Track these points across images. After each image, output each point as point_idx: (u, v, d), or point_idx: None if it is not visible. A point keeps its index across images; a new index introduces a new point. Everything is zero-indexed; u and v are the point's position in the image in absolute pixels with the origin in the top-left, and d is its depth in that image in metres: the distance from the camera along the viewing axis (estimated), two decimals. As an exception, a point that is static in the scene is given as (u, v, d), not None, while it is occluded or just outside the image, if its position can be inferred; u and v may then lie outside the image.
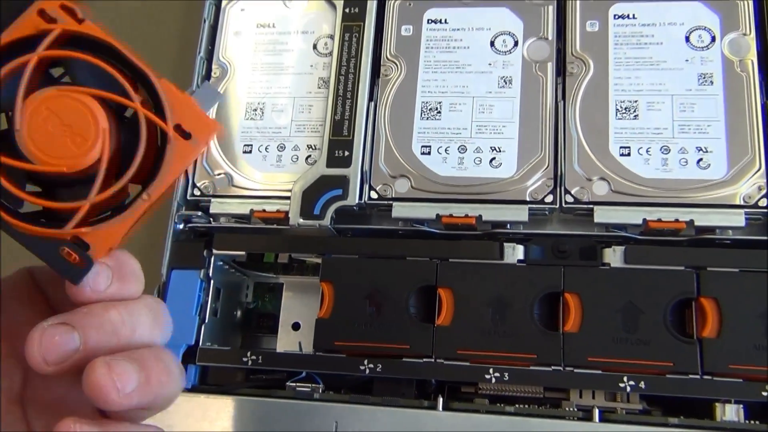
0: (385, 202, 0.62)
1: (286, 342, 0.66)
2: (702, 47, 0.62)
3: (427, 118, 0.64)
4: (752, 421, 0.53)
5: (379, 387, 0.59)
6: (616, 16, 0.64)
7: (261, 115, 0.67)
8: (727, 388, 0.53)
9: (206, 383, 0.63)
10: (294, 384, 0.59)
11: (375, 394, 0.58)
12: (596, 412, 0.54)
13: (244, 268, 0.68)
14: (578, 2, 0.65)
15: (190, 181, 0.66)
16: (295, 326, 0.66)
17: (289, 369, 0.59)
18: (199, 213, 0.65)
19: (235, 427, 0.57)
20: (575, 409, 0.56)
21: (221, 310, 0.65)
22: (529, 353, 0.56)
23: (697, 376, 0.53)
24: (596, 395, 0.57)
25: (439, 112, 0.64)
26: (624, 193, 0.59)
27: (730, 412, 0.53)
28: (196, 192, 0.65)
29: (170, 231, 0.64)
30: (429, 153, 0.63)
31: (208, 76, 0.69)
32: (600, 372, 0.55)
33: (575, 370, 0.55)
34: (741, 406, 0.54)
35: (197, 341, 0.61)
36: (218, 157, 0.66)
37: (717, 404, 0.54)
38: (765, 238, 0.57)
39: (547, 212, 0.61)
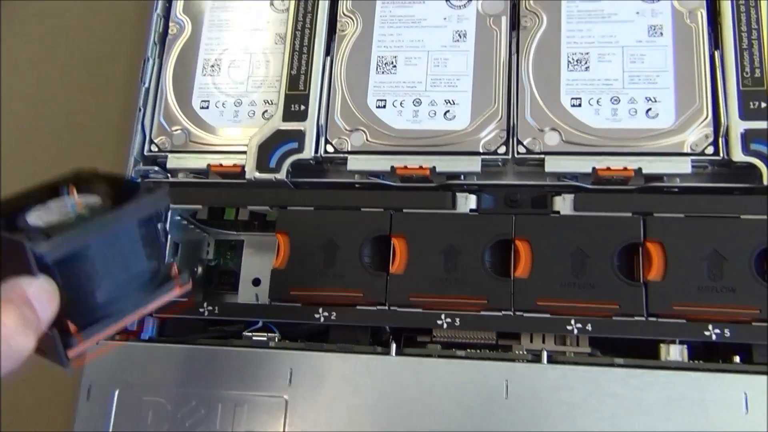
0: (341, 155, 0.63)
1: (246, 298, 0.66)
2: None
3: (383, 73, 0.65)
4: (696, 361, 0.55)
5: (334, 335, 0.60)
6: (569, -30, 0.65)
7: (218, 71, 0.67)
8: (671, 329, 0.54)
9: (164, 335, 0.63)
10: (250, 333, 0.60)
11: (330, 342, 0.59)
12: (544, 354, 0.55)
13: (205, 225, 0.68)
14: (532, -43, 0.65)
15: (147, 137, 0.66)
16: (256, 282, 0.67)
17: (245, 319, 0.60)
18: (156, 168, 0.65)
19: (191, 376, 0.58)
20: (525, 353, 0.57)
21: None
22: (479, 298, 0.56)
23: (642, 318, 0.54)
24: (546, 340, 0.58)
25: (395, 66, 0.65)
26: (575, 143, 0.60)
27: (675, 352, 0.55)
28: (153, 148, 0.66)
29: (127, 186, 0.64)
30: (384, 107, 0.64)
31: (165, 33, 0.69)
32: (548, 315, 0.56)
33: (525, 315, 0.56)
34: (685, 346, 0.55)
35: (154, 294, 0.61)
36: (176, 113, 0.66)
37: (662, 345, 0.55)
38: (711, 185, 0.58)
39: (500, 163, 0.62)
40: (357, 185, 0.63)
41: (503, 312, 0.56)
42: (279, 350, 0.58)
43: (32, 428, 0.71)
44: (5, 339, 0.33)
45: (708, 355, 0.56)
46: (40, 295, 0.35)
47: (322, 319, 0.58)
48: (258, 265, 0.67)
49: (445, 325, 0.57)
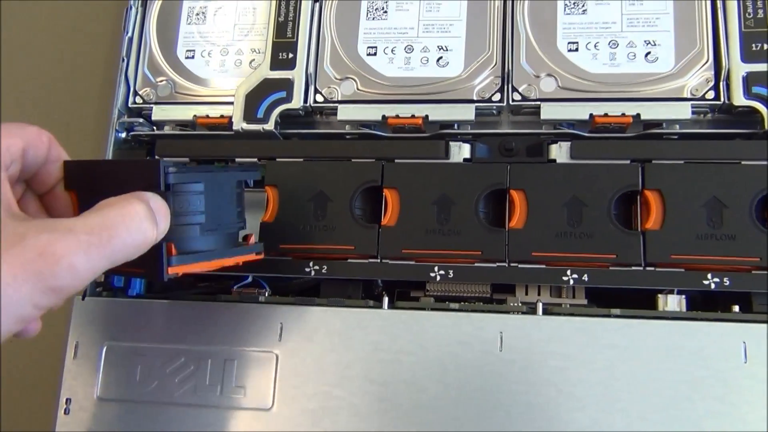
0: (331, 104, 0.61)
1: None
2: (653, -61, 0.60)
3: (373, 19, 0.63)
4: (694, 311, 0.54)
5: (326, 290, 0.59)
6: None
7: (203, 20, 0.65)
8: (669, 278, 0.53)
9: (153, 292, 0.62)
10: (240, 289, 0.59)
11: (322, 296, 0.58)
12: (539, 305, 0.54)
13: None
14: None
15: (131, 89, 0.64)
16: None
17: (234, 273, 0.59)
18: (141, 120, 0.63)
19: (180, 330, 0.57)
20: (520, 305, 0.56)
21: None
22: (473, 250, 0.55)
23: (640, 268, 0.53)
24: (542, 292, 0.57)
25: (386, 12, 0.63)
26: (571, 89, 0.58)
27: (672, 303, 0.54)
28: (138, 100, 0.64)
29: (111, 139, 0.63)
30: (375, 54, 0.62)
31: (147, -20, 0.67)
32: (544, 266, 0.55)
33: (519, 266, 0.55)
34: (683, 296, 0.54)
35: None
36: (160, 63, 0.64)
37: (659, 295, 0.54)
38: (711, 130, 0.57)
39: (495, 111, 0.60)
40: (347, 136, 0.62)
41: (498, 264, 0.55)
42: (269, 305, 0.57)
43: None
44: (137, 222, 0.39)
45: (706, 306, 0.54)
46: (159, 208, 0.41)
47: (312, 273, 0.57)
48: (249, 221, 0.66)
49: (438, 278, 0.56)
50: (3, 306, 0.34)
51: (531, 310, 0.54)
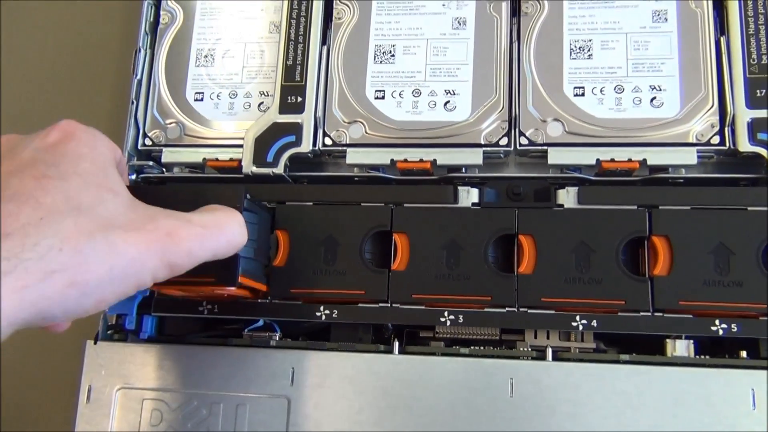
0: (340, 148, 0.62)
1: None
2: (657, -16, 0.61)
3: (381, 62, 0.63)
4: (702, 356, 0.54)
5: (336, 333, 0.59)
6: (571, -46, 0.63)
7: (212, 62, 0.66)
8: (677, 324, 0.54)
9: (164, 334, 0.62)
10: (251, 332, 0.59)
11: (332, 340, 0.58)
12: (549, 351, 0.54)
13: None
14: (532, -60, 0.63)
15: (141, 131, 0.65)
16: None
17: (245, 317, 0.59)
18: (151, 163, 0.64)
19: (191, 376, 0.57)
20: (529, 349, 0.56)
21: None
22: (483, 295, 0.56)
23: (649, 314, 0.54)
24: (551, 336, 0.57)
25: (393, 56, 0.63)
26: (578, 134, 0.59)
27: (681, 348, 0.54)
28: (147, 142, 0.64)
29: (122, 182, 0.63)
30: (383, 97, 0.62)
31: (156, 22, 0.67)
32: (553, 312, 0.55)
33: (529, 311, 0.55)
34: (691, 341, 0.54)
35: (152, 292, 0.60)
36: (169, 106, 0.65)
37: (668, 340, 0.55)
38: (717, 175, 0.57)
39: (502, 155, 0.60)
40: (356, 179, 0.62)
41: (507, 309, 0.56)
42: (280, 349, 0.57)
43: (32, 428, 0.70)
44: (239, 227, 0.47)
45: (715, 351, 0.55)
46: (242, 222, 0.47)
47: (323, 317, 0.58)
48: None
49: (448, 323, 0.56)
50: (133, 270, 0.39)
51: (540, 355, 0.55)
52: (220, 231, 0.45)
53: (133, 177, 0.64)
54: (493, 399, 0.53)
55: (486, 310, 0.56)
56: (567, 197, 0.57)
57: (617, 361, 0.54)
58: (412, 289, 0.57)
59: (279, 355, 0.57)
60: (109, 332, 0.61)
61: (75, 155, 0.41)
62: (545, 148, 0.59)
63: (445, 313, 0.56)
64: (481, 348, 0.57)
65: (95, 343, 0.59)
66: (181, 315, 0.60)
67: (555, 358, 0.54)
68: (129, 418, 0.57)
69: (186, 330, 0.62)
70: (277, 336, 0.59)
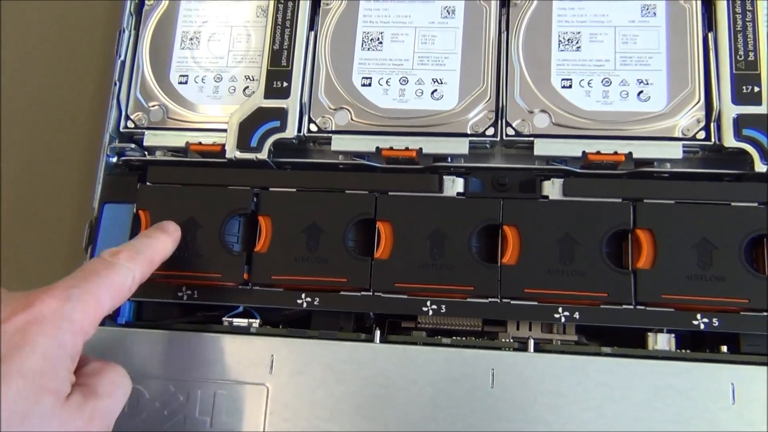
0: (325, 134, 0.61)
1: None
2: (646, -22, 0.61)
3: (369, 49, 0.63)
4: (683, 350, 0.54)
5: (317, 321, 0.58)
6: (562, -54, 0.63)
7: (197, 45, 0.65)
8: (659, 318, 0.54)
9: (141, 319, 0.62)
10: (230, 319, 0.59)
11: (313, 328, 0.58)
12: (531, 342, 0.54)
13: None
14: (523, -70, 0.63)
15: (123, 113, 0.64)
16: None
17: (225, 303, 0.58)
18: (133, 146, 0.63)
19: (169, 362, 0.56)
20: (511, 341, 0.56)
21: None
22: (466, 285, 0.55)
23: (631, 307, 0.54)
24: (533, 327, 0.57)
25: (381, 43, 0.63)
26: (565, 126, 0.59)
27: (662, 342, 0.54)
28: (130, 124, 0.63)
29: (102, 164, 0.62)
30: (370, 84, 0.62)
31: (141, 3, 0.66)
32: (536, 303, 0.55)
33: (512, 302, 0.55)
34: (673, 335, 0.54)
35: (131, 276, 0.59)
36: (153, 88, 0.64)
37: (649, 334, 0.55)
38: (701, 170, 0.57)
39: (488, 145, 0.60)
40: (341, 166, 0.62)
41: (490, 299, 0.55)
42: (260, 336, 0.57)
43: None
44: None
45: (696, 345, 0.55)
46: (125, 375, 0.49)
47: (304, 304, 0.57)
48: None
49: (430, 312, 0.56)
50: None
51: (522, 346, 0.55)
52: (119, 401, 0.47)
53: (114, 160, 0.63)
54: (474, 389, 0.53)
55: (469, 300, 0.56)
56: (552, 189, 0.57)
57: (599, 354, 0.54)
58: (395, 277, 0.56)
59: (258, 342, 0.56)
60: (86, 316, 0.60)
61: (30, 347, 0.40)
62: (531, 139, 0.58)
63: (428, 303, 0.56)
64: (463, 338, 0.57)
65: None
66: (160, 300, 0.59)
67: (537, 350, 0.54)
68: (104, 403, 0.56)
69: (164, 316, 0.61)
70: (257, 323, 0.58)
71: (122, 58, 0.65)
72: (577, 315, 0.54)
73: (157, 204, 0.60)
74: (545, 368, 0.53)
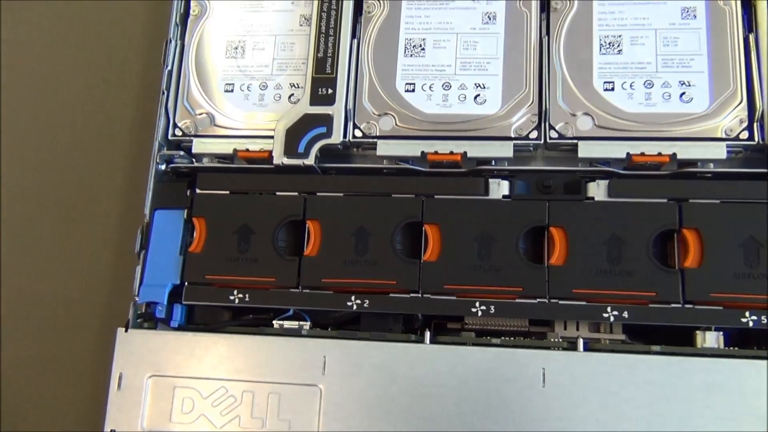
0: (370, 140, 0.62)
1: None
2: (686, -19, 0.62)
3: (411, 56, 0.64)
4: (732, 347, 0.55)
5: (366, 323, 0.59)
6: (600, -49, 0.64)
7: (242, 54, 0.66)
8: (707, 316, 0.54)
9: (193, 323, 0.63)
10: (281, 321, 0.60)
11: (362, 330, 0.59)
12: (580, 341, 0.55)
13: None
14: (562, -64, 0.64)
15: (171, 121, 0.65)
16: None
17: (277, 306, 0.60)
18: (181, 153, 0.64)
19: (223, 365, 0.57)
20: (560, 340, 0.57)
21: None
22: (515, 286, 0.56)
23: (679, 305, 0.54)
24: (580, 327, 0.58)
25: (423, 49, 0.64)
26: (608, 128, 0.59)
27: (711, 340, 0.55)
28: (177, 132, 0.65)
29: (152, 171, 0.63)
30: (413, 90, 0.63)
31: (186, 13, 0.68)
32: (584, 303, 0.56)
33: (560, 302, 0.56)
34: (721, 333, 0.55)
35: (183, 280, 0.61)
36: (199, 97, 0.65)
37: (698, 332, 0.55)
38: (745, 170, 0.58)
39: (531, 148, 0.61)
40: (385, 170, 0.63)
41: (539, 300, 0.56)
42: (311, 338, 0.58)
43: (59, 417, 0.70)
44: None
45: (743, 342, 0.56)
46: None
47: (354, 306, 0.58)
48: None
49: (479, 313, 0.57)
50: None
51: (571, 345, 0.55)
52: None
53: (163, 167, 0.64)
54: (526, 389, 0.54)
55: (517, 300, 0.56)
56: (597, 190, 0.58)
57: (648, 352, 0.54)
58: (444, 279, 0.57)
59: (310, 344, 0.57)
60: (138, 320, 0.61)
61: None
62: (575, 141, 0.59)
63: (477, 304, 0.57)
64: (511, 339, 0.57)
65: (126, 331, 0.59)
66: (212, 304, 0.60)
67: (586, 349, 0.55)
68: (160, 406, 0.58)
69: (215, 319, 0.63)
70: (307, 325, 0.59)
71: (169, 67, 0.66)
72: (626, 314, 0.55)
73: (211, 211, 0.61)
74: (596, 367, 0.53)
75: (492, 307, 0.57)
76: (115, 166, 0.74)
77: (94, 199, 0.74)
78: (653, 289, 0.55)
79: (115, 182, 0.74)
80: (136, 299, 0.61)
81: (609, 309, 0.55)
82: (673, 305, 0.55)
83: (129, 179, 0.73)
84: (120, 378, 0.58)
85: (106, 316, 0.70)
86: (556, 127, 0.60)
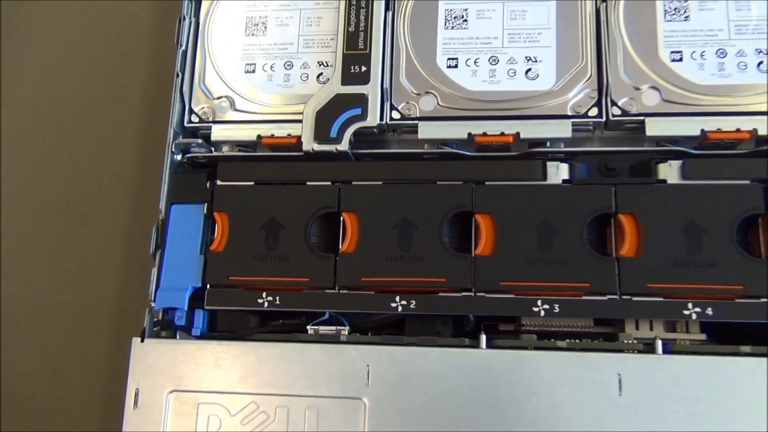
0: (410, 122, 0.56)
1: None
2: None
3: (453, 28, 0.57)
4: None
5: (411, 327, 0.53)
6: None
7: (264, 30, 0.60)
8: (804, 311, 0.48)
9: (217, 330, 0.56)
10: (316, 327, 0.53)
11: (408, 334, 0.52)
12: (659, 343, 0.49)
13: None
14: None
15: (187, 107, 0.58)
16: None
17: (311, 310, 0.53)
18: (199, 141, 0.58)
19: (252, 377, 0.51)
20: (634, 341, 0.50)
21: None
22: (582, 282, 0.50)
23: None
24: (654, 326, 0.52)
25: (466, 20, 0.57)
26: (677, 103, 0.53)
27: (807, 337, 0.48)
28: (194, 118, 0.58)
29: (167, 162, 0.57)
30: (456, 66, 0.56)
31: (200, -12, 0.61)
32: (661, 299, 0.49)
33: (633, 298, 0.50)
34: (814, 330, 0.49)
35: (204, 283, 0.54)
36: (217, 79, 0.59)
37: (789, 329, 0.49)
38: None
39: (591, 127, 0.55)
40: (425, 155, 0.56)
41: (608, 296, 0.50)
42: (352, 345, 0.51)
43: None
44: None
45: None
46: None
47: (400, 308, 0.52)
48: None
49: (542, 313, 0.50)
50: None
51: (648, 347, 0.49)
52: None
53: (179, 157, 0.58)
54: (601, 398, 0.47)
55: (584, 298, 0.50)
56: (670, 172, 0.52)
57: (737, 354, 0.48)
58: (500, 275, 0.51)
59: (351, 352, 0.51)
60: (155, 329, 0.55)
61: None
62: (641, 118, 0.53)
63: (539, 302, 0.50)
64: (577, 341, 0.51)
65: (142, 341, 0.53)
66: (238, 308, 0.54)
67: (666, 351, 0.48)
68: (183, 425, 0.51)
69: (241, 325, 0.56)
70: (346, 330, 0.53)
71: (184, 47, 0.60)
72: (710, 311, 0.49)
73: (235, 204, 0.55)
74: (679, 371, 0.47)
75: (556, 306, 0.50)
76: (123, 158, 0.68)
77: (101, 194, 0.67)
78: (741, 282, 0.48)
79: (124, 176, 0.67)
80: (153, 305, 0.54)
81: (690, 305, 0.49)
82: (763, 300, 0.48)
83: (140, 172, 0.67)
84: (136, 394, 0.52)
85: (118, 325, 0.64)
86: (619, 103, 0.54)
